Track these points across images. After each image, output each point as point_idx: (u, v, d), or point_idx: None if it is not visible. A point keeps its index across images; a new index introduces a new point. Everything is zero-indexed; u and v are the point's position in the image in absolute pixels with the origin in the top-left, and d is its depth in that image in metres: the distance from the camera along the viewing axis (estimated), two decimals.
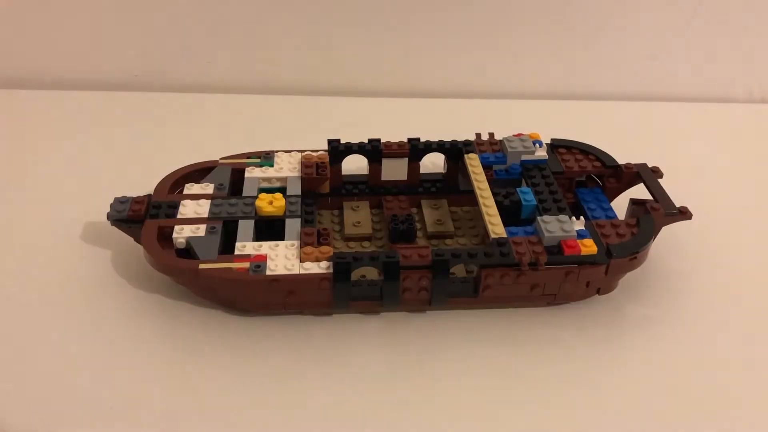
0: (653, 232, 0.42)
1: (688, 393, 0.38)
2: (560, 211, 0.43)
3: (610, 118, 0.49)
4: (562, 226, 0.41)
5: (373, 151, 0.48)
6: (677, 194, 0.45)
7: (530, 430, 0.36)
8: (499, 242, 0.40)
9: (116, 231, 0.43)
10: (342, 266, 0.38)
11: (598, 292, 0.42)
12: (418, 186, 0.50)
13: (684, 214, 0.44)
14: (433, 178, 0.50)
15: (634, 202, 0.45)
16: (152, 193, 0.45)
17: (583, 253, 0.40)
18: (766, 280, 0.46)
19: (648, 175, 0.47)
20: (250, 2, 0.62)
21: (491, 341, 0.41)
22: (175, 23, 0.63)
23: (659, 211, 0.43)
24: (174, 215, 0.43)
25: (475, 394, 0.38)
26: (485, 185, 0.45)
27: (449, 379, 0.38)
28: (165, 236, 0.42)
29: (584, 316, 0.42)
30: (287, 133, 0.58)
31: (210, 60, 0.64)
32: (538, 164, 0.48)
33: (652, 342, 0.41)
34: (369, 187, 0.49)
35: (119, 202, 0.43)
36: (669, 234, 0.45)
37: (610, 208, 0.46)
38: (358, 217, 0.48)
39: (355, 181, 0.50)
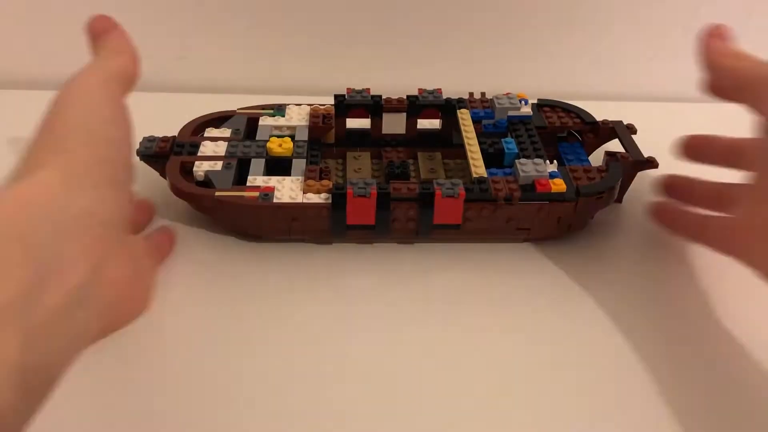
0: (620, 176, 0.47)
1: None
2: (539, 158, 0.48)
3: (610, 118, 0.52)
4: (536, 168, 0.46)
5: (375, 105, 0.53)
6: None
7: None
8: (479, 180, 0.45)
9: (143, 166, 0.49)
10: (339, 195, 0.44)
11: (569, 228, 0.47)
12: (416, 139, 0.55)
13: (651, 162, 0.49)
14: (429, 133, 0.55)
15: (608, 154, 0.50)
16: (176, 135, 0.51)
17: (553, 191, 0.45)
18: None
19: (623, 130, 0.52)
20: (249, 2, 0.65)
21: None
22: (174, 23, 0.65)
23: (628, 159, 0.48)
24: (195, 153, 0.48)
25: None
26: (472, 134, 0.50)
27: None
28: (186, 171, 0.47)
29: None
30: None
31: (210, 60, 0.66)
32: (523, 120, 0.52)
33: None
34: (371, 139, 0.54)
35: (147, 140, 0.49)
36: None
37: (587, 159, 0.51)
38: (359, 164, 0.53)
39: (358, 133, 0.55)
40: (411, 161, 0.54)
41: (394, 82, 0.65)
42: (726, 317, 0.43)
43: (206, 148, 0.49)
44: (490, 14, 0.66)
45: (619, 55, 0.68)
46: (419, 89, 0.54)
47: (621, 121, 0.52)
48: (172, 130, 0.50)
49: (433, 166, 0.53)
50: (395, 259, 0.46)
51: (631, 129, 0.52)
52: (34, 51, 0.66)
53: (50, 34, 0.65)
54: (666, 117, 0.61)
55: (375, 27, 0.67)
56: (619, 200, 0.52)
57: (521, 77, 0.68)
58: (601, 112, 0.53)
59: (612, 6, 0.65)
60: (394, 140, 0.54)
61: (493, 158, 0.49)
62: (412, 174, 0.52)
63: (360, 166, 0.53)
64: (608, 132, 0.52)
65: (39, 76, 0.62)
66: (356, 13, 0.66)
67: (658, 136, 0.46)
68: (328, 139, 0.54)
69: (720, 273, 0.45)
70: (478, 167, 0.47)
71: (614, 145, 0.52)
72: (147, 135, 0.49)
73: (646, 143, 0.49)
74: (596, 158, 0.52)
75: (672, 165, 0.47)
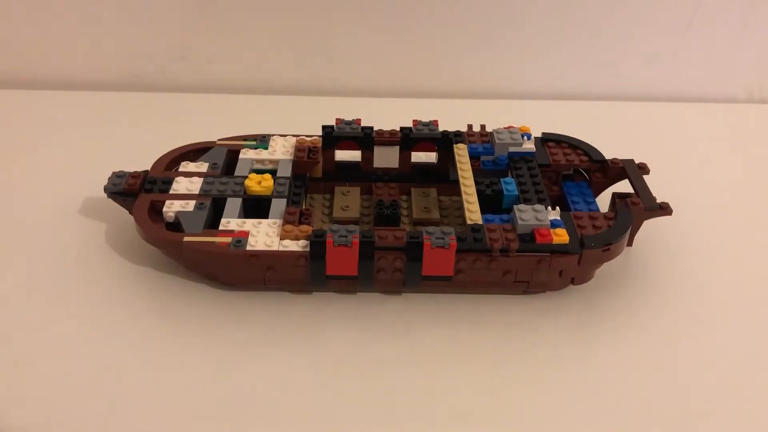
0: (629, 225, 0.42)
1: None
2: (540, 202, 0.44)
3: (610, 118, 0.49)
4: (537, 215, 0.41)
5: (366, 138, 0.49)
6: (675, 194, 0.45)
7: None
8: (474, 228, 0.41)
9: (113, 205, 0.45)
10: (318, 244, 0.40)
11: (573, 282, 0.43)
12: (409, 174, 0.51)
13: (664, 209, 0.44)
14: (425, 168, 0.51)
15: (617, 196, 0.46)
16: (149, 169, 0.47)
17: (554, 242, 0.40)
18: (755, 281, 0.46)
19: (633, 170, 0.47)
20: (250, 2, 0.63)
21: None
22: (175, 23, 0.64)
23: (639, 205, 0.44)
24: (167, 190, 0.45)
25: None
26: (469, 174, 0.46)
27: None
28: (157, 210, 0.44)
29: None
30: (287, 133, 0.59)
31: (210, 60, 0.65)
32: (525, 156, 0.48)
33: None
34: (361, 173, 0.51)
35: (117, 176, 0.45)
36: (668, 232, 0.45)
37: (594, 202, 0.47)
38: (348, 201, 0.49)
39: (348, 167, 0.51)
40: (405, 197, 0.50)
41: (395, 83, 0.65)
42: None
43: (180, 184, 0.45)
44: (491, 14, 0.64)
45: (619, 55, 0.67)
46: (414, 120, 0.50)
47: (632, 160, 0.48)
48: (174, 129, 0.48)
49: (427, 204, 0.49)
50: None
51: (643, 168, 0.48)
52: (34, 51, 0.65)
53: (50, 34, 0.64)
54: (666, 117, 0.61)
55: (375, 27, 0.65)
56: (629, 243, 0.47)
57: (521, 77, 0.67)
58: (600, 111, 0.51)
59: (612, 6, 0.64)
60: (386, 174, 0.51)
61: (490, 200, 0.45)
62: (404, 213, 0.49)
63: (348, 204, 0.49)
64: (618, 171, 0.48)
65: (39, 76, 0.63)
66: (356, 13, 0.64)
67: (658, 136, 0.44)
68: (315, 173, 0.50)
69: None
70: (473, 212, 0.43)
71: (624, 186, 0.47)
72: (117, 170, 0.46)
73: (646, 143, 0.46)
74: (604, 199, 0.48)
75: (672, 166, 0.44)
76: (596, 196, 0.48)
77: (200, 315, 0.42)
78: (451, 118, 0.52)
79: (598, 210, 0.46)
